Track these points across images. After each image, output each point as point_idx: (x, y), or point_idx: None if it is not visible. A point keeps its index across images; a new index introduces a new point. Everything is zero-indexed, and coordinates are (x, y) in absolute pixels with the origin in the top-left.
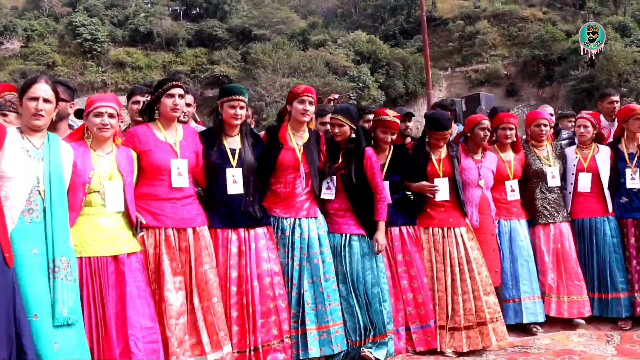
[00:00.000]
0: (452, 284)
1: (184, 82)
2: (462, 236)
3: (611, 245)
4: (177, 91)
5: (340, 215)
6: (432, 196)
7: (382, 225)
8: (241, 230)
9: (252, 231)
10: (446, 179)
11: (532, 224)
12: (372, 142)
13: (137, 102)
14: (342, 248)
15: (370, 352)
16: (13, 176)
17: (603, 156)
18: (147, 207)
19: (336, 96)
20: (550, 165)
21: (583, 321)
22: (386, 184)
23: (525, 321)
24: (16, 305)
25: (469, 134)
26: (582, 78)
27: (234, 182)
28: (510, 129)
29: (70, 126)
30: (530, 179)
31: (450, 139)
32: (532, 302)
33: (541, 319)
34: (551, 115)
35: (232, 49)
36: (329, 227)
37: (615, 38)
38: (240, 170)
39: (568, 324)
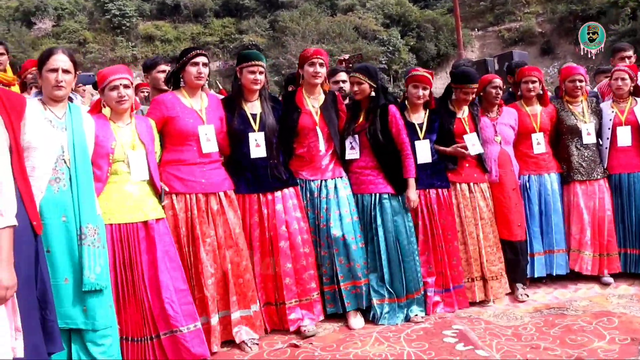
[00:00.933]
0: (484, 236)
1: (213, 53)
2: (486, 191)
3: None
4: (201, 59)
5: (366, 174)
6: (465, 156)
7: (412, 182)
8: (268, 194)
9: (278, 193)
10: (474, 133)
11: (567, 180)
12: (406, 103)
13: (163, 71)
14: (373, 207)
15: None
16: (38, 146)
17: None
18: (176, 173)
19: (346, 56)
20: (585, 122)
21: (612, 280)
22: (426, 142)
23: (555, 273)
24: (40, 273)
25: (482, 94)
26: (622, 32)
27: (257, 145)
28: (533, 81)
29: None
30: (565, 134)
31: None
32: (562, 254)
33: (559, 271)
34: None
35: (259, 17)
36: (356, 188)
37: None
38: (262, 134)
39: (597, 280)
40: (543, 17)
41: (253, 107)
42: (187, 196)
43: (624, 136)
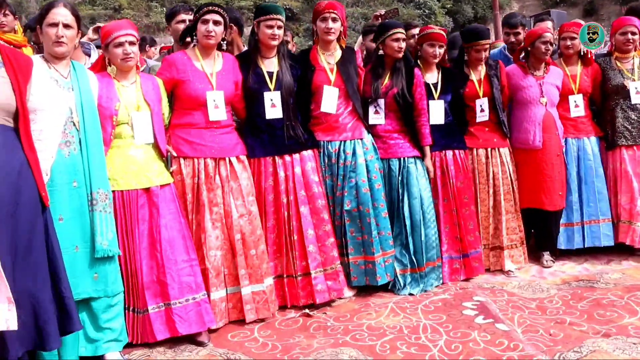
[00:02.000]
0: (495, 204)
1: (247, 18)
2: (505, 156)
3: None
4: (212, 17)
5: (394, 138)
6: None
7: (428, 150)
8: (286, 156)
9: (296, 155)
10: (485, 99)
11: (612, 145)
12: (419, 62)
13: (183, 21)
14: (403, 171)
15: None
16: (45, 108)
17: None
18: (185, 137)
19: (382, 12)
20: (634, 80)
21: None
22: (440, 103)
23: (586, 245)
24: (51, 247)
25: (529, 49)
26: None
27: (273, 106)
28: (572, 38)
29: (86, 53)
30: (610, 95)
31: (490, 56)
32: (596, 225)
33: (608, 242)
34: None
35: None
36: (382, 152)
37: None
38: (278, 93)
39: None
40: None
41: (270, 65)
42: (195, 160)
43: None
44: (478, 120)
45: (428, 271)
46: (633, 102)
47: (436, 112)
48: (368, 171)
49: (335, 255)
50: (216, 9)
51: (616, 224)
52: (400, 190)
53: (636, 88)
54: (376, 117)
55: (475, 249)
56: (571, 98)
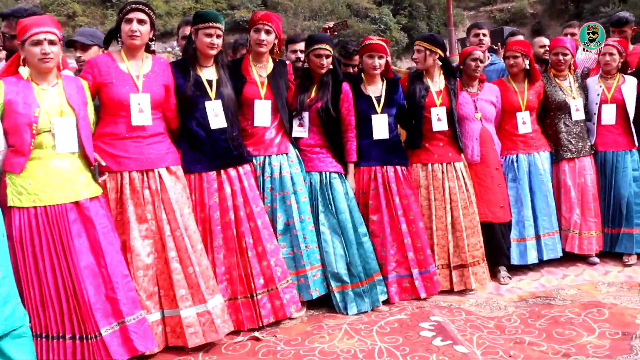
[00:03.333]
0: (453, 220)
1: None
2: (461, 170)
3: (631, 179)
4: (136, 15)
5: (315, 152)
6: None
7: (352, 167)
8: (231, 169)
9: (241, 168)
10: (444, 108)
11: (557, 158)
12: (362, 75)
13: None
14: (324, 186)
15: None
16: None
17: (629, 87)
18: (109, 149)
19: (331, 24)
20: (574, 98)
21: (597, 259)
22: (384, 117)
23: (545, 258)
24: None
25: (461, 67)
26: (612, 15)
27: (215, 115)
28: (515, 57)
29: None
30: (553, 111)
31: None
32: (551, 237)
33: (559, 254)
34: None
35: None
36: (304, 166)
37: None
38: (219, 102)
39: (581, 260)
40: None
41: (209, 73)
42: (119, 175)
43: (609, 114)
44: (435, 129)
45: (370, 286)
46: (574, 118)
47: (379, 126)
48: (293, 184)
49: (286, 269)
50: (140, 6)
51: (560, 233)
52: (327, 206)
53: (576, 105)
54: (300, 130)
55: (425, 268)
56: (519, 115)
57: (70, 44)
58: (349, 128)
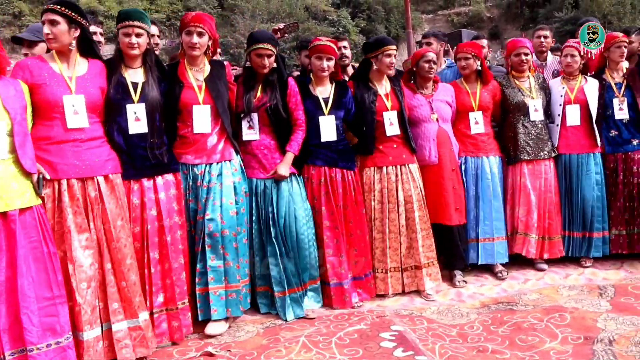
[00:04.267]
0: (407, 222)
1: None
2: (415, 172)
3: (594, 183)
4: (47, 17)
5: (266, 155)
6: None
7: (290, 157)
8: (145, 180)
9: (159, 179)
10: (395, 112)
11: (514, 160)
12: (311, 75)
13: (93, 33)
14: (270, 191)
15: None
16: None
17: (591, 88)
18: (45, 156)
19: (281, 25)
20: (532, 98)
21: (546, 266)
22: (331, 118)
23: (480, 262)
24: None
25: (415, 69)
26: (566, 20)
27: (136, 119)
28: (466, 58)
29: None
30: (511, 112)
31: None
32: (491, 243)
33: (500, 260)
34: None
35: None
36: (251, 172)
37: None
38: (142, 106)
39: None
40: (491, 2)
41: (135, 75)
42: (56, 182)
43: (573, 115)
44: (388, 134)
45: (306, 291)
46: (532, 119)
47: (326, 128)
48: (235, 193)
49: (185, 290)
50: (52, 6)
51: (512, 235)
52: (271, 210)
53: (535, 106)
54: (250, 132)
55: (359, 274)
56: (471, 115)
57: (17, 41)
58: (298, 122)
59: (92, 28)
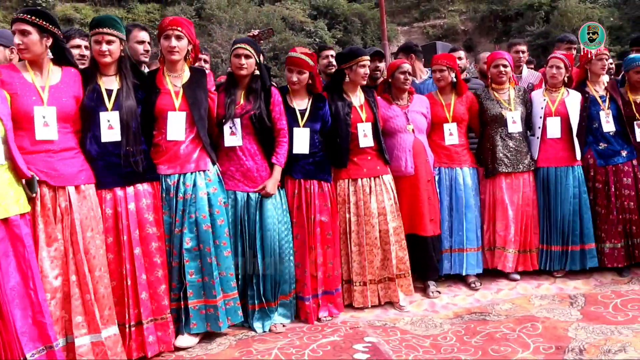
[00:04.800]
0: (381, 234)
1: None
2: (389, 183)
3: (572, 197)
4: (17, 27)
5: (251, 167)
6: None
7: (278, 171)
8: (118, 189)
9: (130, 189)
10: (369, 124)
11: (492, 173)
12: (288, 87)
13: (77, 46)
14: (255, 204)
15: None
16: None
17: (573, 100)
18: None
19: (256, 32)
20: (510, 110)
21: (518, 276)
22: (305, 131)
23: (453, 272)
24: None
25: (390, 80)
26: (537, 34)
27: (110, 127)
28: (441, 70)
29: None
30: (489, 124)
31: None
32: (462, 254)
33: (472, 271)
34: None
35: (185, 4)
36: (235, 184)
37: None
38: (116, 113)
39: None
40: (466, 15)
41: (110, 83)
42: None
43: (554, 127)
44: (362, 146)
45: (278, 306)
46: (510, 131)
47: (300, 140)
48: (210, 205)
49: (166, 304)
50: (22, 16)
51: (492, 250)
52: (255, 224)
53: (512, 118)
54: (232, 138)
55: (330, 289)
56: (445, 126)
57: None
58: (281, 132)
59: (77, 41)
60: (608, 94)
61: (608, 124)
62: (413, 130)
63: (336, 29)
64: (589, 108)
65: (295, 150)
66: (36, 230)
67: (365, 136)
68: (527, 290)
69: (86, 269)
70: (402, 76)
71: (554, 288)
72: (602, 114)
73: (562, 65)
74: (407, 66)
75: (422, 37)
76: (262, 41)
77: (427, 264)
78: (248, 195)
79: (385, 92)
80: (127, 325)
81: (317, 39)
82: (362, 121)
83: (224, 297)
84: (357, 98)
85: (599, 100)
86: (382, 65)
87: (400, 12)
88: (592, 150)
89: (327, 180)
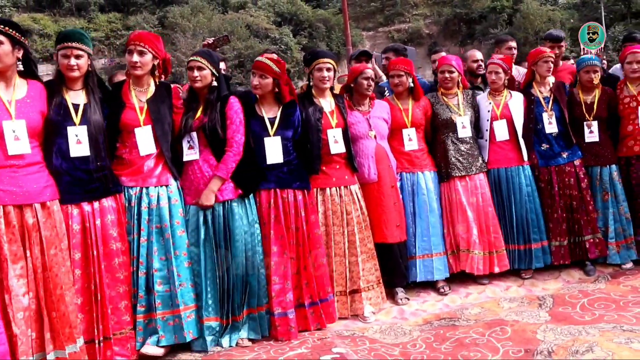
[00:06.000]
0: (349, 245)
1: (98, 49)
2: (357, 193)
3: (526, 195)
4: None
5: (209, 179)
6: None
7: (216, 183)
8: (84, 204)
9: (97, 204)
10: (340, 129)
11: (446, 177)
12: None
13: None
14: (221, 216)
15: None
16: None
17: (516, 103)
18: None
19: (211, 40)
20: (460, 115)
21: (487, 280)
22: (277, 140)
23: (418, 279)
24: None
25: (352, 85)
26: (499, 35)
27: (78, 142)
28: (399, 75)
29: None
30: (440, 129)
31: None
32: (430, 259)
33: (440, 276)
34: (480, 60)
35: (148, 13)
36: (199, 195)
37: None
38: (84, 128)
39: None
40: (430, 19)
41: (76, 97)
42: None
43: (501, 130)
44: (333, 152)
45: (246, 320)
46: (460, 135)
47: (272, 150)
48: (171, 216)
49: (127, 320)
50: None
51: (456, 253)
52: (223, 237)
53: (462, 123)
54: (190, 152)
55: (322, 297)
56: (405, 132)
57: None
58: (229, 142)
59: None
60: (552, 95)
61: (550, 125)
62: (375, 136)
63: (301, 35)
64: (534, 110)
65: (269, 161)
66: (2, 250)
67: (336, 142)
68: (496, 293)
69: (52, 286)
70: (365, 82)
71: (523, 290)
72: (544, 115)
73: (500, 70)
74: (370, 72)
75: (387, 42)
76: (217, 48)
77: (395, 271)
78: (214, 207)
79: (345, 97)
80: (96, 341)
81: (283, 46)
82: (333, 127)
83: (185, 309)
84: (328, 103)
85: (543, 102)
86: (369, 66)
87: (365, 17)
88: (535, 150)
89: (305, 188)
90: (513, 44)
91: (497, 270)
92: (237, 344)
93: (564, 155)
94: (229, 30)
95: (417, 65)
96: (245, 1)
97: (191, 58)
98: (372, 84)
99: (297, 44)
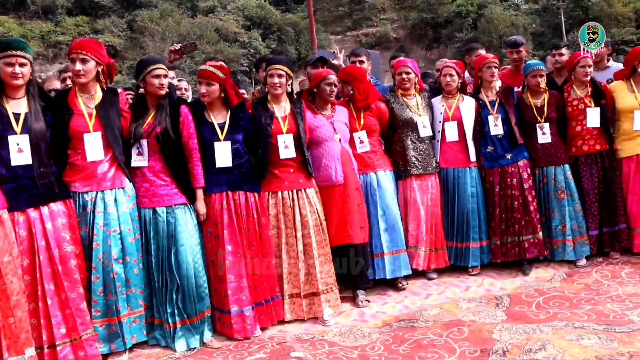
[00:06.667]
0: (305, 248)
1: (65, 53)
2: (312, 197)
3: (470, 195)
4: None
5: (160, 181)
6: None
7: (200, 193)
8: (30, 210)
9: (45, 208)
10: (291, 135)
11: (404, 175)
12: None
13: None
14: (165, 222)
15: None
16: None
17: (468, 106)
18: None
19: (178, 46)
20: (420, 115)
21: (435, 275)
22: (227, 145)
23: (378, 277)
24: None
25: (315, 90)
26: (466, 40)
27: (19, 151)
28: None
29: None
30: (400, 128)
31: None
32: (392, 256)
33: (403, 273)
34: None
35: (116, 17)
36: (147, 201)
37: (495, 2)
38: (26, 137)
39: (449, 283)
40: (397, 23)
41: (18, 106)
42: None
43: (451, 131)
44: (282, 157)
45: (200, 322)
46: (421, 135)
47: (222, 154)
48: (123, 222)
49: (88, 320)
50: None
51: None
52: (168, 240)
53: (423, 123)
54: (139, 159)
55: (274, 295)
56: (355, 135)
57: None
58: (192, 152)
59: None
60: (498, 99)
61: (496, 128)
62: (340, 139)
63: (270, 39)
64: (481, 113)
65: (219, 164)
66: None
67: (286, 147)
68: (456, 294)
69: (5, 293)
70: (328, 87)
71: (482, 290)
72: (490, 118)
73: (454, 72)
74: (333, 77)
75: (356, 46)
76: (184, 55)
77: (358, 274)
78: (155, 211)
79: (309, 102)
80: (43, 347)
81: (252, 49)
82: (283, 133)
83: (129, 314)
84: (282, 109)
85: (489, 105)
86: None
87: (333, 21)
88: (481, 152)
89: (255, 191)
90: (482, 51)
91: (433, 266)
92: (205, 345)
93: (508, 157)
94: (198, 34)
95: (383, 68)
96: (215, 5)
97: (156, 66)
98: (335, 89)
99: (267, 48)
